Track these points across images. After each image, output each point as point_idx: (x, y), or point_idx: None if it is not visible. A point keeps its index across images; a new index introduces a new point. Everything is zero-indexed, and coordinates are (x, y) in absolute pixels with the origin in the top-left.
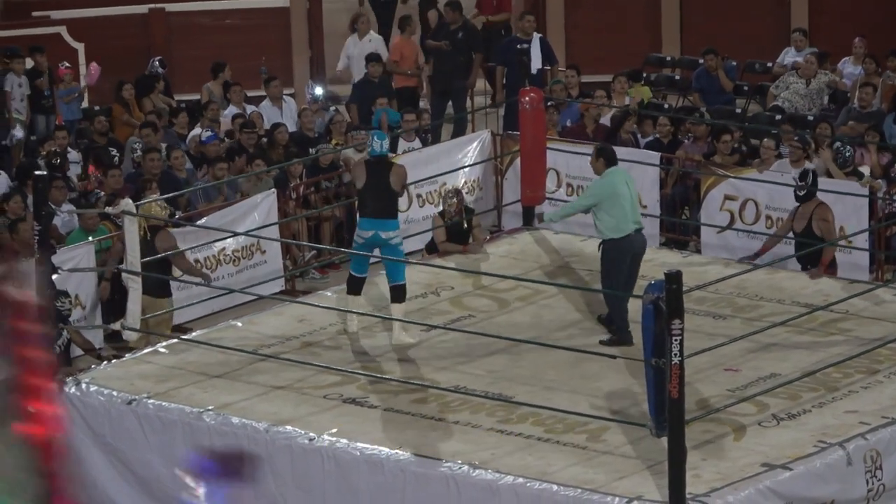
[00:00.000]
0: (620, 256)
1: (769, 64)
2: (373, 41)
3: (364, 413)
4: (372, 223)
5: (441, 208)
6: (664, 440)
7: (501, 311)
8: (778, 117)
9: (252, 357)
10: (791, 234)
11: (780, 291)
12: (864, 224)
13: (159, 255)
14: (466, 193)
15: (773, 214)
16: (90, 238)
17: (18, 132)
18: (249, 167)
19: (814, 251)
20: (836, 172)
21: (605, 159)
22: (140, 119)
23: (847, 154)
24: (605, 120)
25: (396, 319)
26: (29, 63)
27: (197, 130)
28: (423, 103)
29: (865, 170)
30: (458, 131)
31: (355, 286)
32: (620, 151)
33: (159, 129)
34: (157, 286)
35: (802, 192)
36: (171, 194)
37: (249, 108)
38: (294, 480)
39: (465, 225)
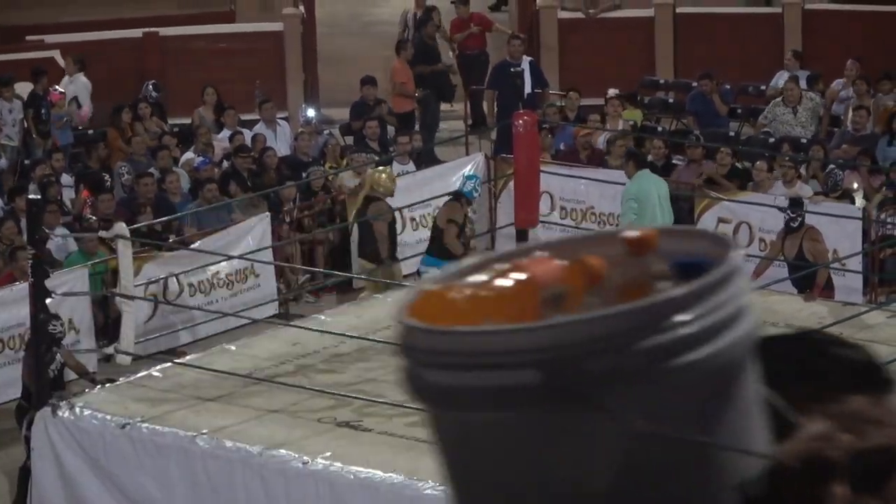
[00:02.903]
0: None
1: (763, 87)
2: (74, 83)
3: (358, 436)
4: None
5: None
6: None
7: None
8: (772, 140)
9: (246, 381)
10: (782, 258)
11: (774, 314)
12: (857, 247)
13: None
14: None
15: (767, 237)
16: (89, 262)
17: (2, 162)
18: (245, 194)
19: (809, 275)
20: (819, 200)
21: (634, 162)
22: (139, 143)
23: (837, 178)
24: (601, 143)
25: (386, 342)
26: (28, 87)
27: (190, 155)
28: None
29: (859, 194)
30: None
31: None
32: (614, 175)
33: (167, 150)
34: (375, 254)
35: (796, 224)
36: (162, 219)
37: (244, 132)
38: None
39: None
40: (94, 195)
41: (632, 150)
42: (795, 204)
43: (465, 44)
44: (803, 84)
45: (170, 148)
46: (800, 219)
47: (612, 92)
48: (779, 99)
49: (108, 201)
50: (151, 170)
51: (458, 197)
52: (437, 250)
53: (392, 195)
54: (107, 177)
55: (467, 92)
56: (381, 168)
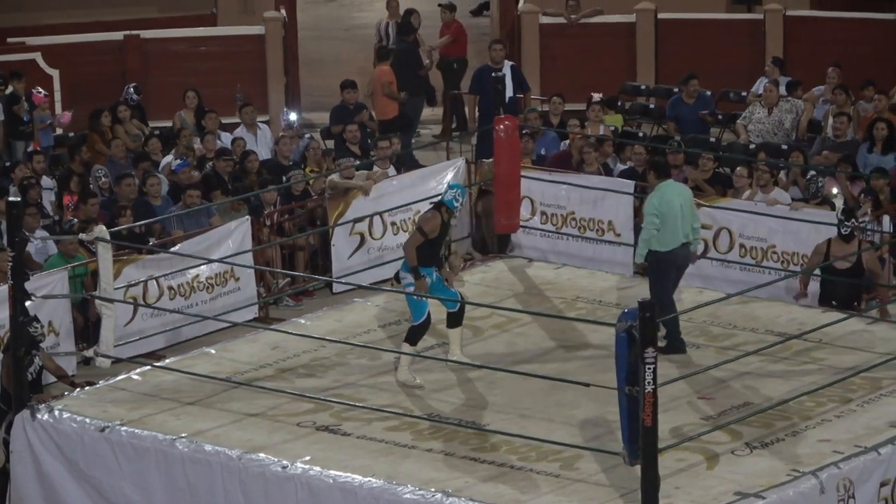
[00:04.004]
0: (666, 269)
1: (744, 93)
2: None
3: (337, 441)
4: None
5: None
6: (638, 468)
7: (476, 339)
8: (752, 146)
9: (225, 384)
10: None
11: (754, 320)
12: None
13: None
14: None
15: (747, 243)
16: (68, 264)
17: None
18: (225, 197)
19: (855, 286)
20: (799, 207)
21: (655, 172)
22: (119, 146)
23: (819, 185)
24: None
25: (366, 346)
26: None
27: (169, 158)
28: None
29: (839, 200)
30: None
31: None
32: (594, 180)
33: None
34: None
35: (847, 231)
36: (142, 222)
37: (224, 135)
38: None
39: (447, 252)
40: (82, 200)
41: (655, 159)
42: (849, 213)
43: (445, 49)
44: (783, 90)
45: (150, 157)
46: (850, 227)
47: (596, 97)
48: (757, 101)
49: (94, 205)
50: (132, 172)
51: (438, 206)
52: (419, 256)
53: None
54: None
55: (448, 96)
56: (487, 161)
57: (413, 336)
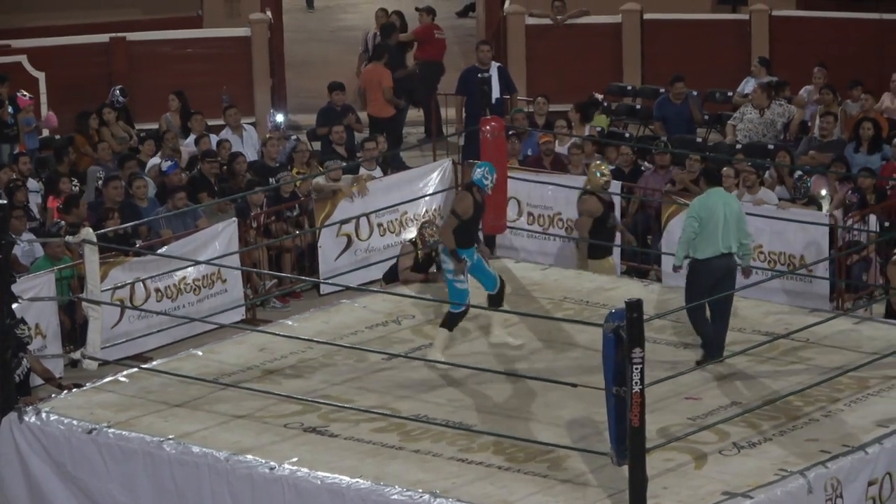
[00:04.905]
0: (698, 277)
1: (730, 93)
2: None
3: (325, 442)
4: None
5: (410, 237)
6: (625, 468)
7: (463, 340)
8: (738, 146)
9: (213, 386)
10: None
11: (742, 320)
12: (824, 253)
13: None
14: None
15: None
16: (55, 267)
17: None
18: (210, 199)
19: None
20: (786, 206)
21: (706, 179)
22: (105, 148)
23: (807, 184)
24: (563, 149)
25: (353, 348)
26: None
27: (156, 160)
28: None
29: (826, 200)
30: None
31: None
32: (581, 181)
33: (132, 158)
34: (593, 248)
35: None
36: (129, 223)
37: (210, 137)
38: None
39: (434, 254)
40: (74, 204)
41: (706, 167)
42: None
43: (417, 53)
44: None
45: (137, 157)
46: None
47: (598, 97)
48: (749, 102)
49: (83, 206)
50: (119, 174)
51: (468, 186)
52: (457, 239)
53: (600, 189)
54: (75, 181)
55: (431, 99)
56: (597, 163)
57: (451, 322)
